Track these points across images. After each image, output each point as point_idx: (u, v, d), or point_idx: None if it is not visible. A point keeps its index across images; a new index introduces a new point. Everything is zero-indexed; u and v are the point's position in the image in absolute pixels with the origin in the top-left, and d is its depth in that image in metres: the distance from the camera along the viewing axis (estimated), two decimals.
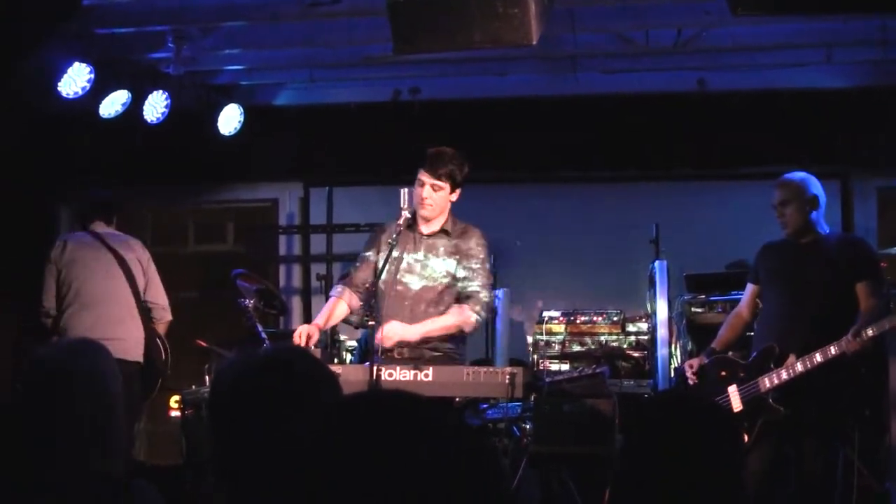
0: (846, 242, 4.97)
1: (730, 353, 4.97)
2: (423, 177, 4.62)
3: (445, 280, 4.62)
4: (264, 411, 1.90)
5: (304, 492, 1.27)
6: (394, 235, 4.57)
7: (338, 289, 4.87)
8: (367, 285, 4.66)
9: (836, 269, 4.70)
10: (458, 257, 4.64)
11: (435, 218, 4.70)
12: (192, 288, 8.30)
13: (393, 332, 4.44)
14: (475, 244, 4.67)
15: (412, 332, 4.51)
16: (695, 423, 2.02)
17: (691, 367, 4.98)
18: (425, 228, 4.71)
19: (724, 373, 4.84)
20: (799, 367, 4.53)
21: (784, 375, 4.58)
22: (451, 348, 4.67)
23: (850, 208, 7.46)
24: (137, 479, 2.35)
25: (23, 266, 5.93)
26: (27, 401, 2.35)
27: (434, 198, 4.62)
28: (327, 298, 5.02)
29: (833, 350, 4.45)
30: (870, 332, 4.40)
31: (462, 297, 4.61)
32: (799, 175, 4.92)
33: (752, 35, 6.48)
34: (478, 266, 4.66)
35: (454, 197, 4.68)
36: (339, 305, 4.78)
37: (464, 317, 4.56)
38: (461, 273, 4.64)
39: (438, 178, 4.59)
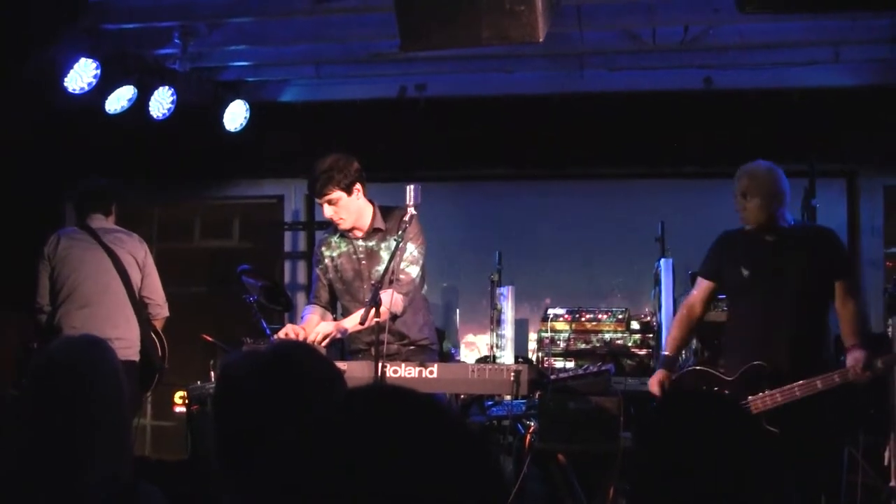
0: (820, 237, 4.66)
1: (707, 368, 4.71)
2: (318, 201, 4.66)
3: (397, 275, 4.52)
4: (268, 408, 1.90)
5: (304, 490, 1.27)
6: (334, 254, 4.72)
7: (309, 308, 4.90)
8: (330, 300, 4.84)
9: (812, 268, 4.51)
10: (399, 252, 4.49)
11: (358, 224, 4.69)
12: (197, 284, 8.32)
13: (323, 329, 4.40)
14: (411, 232, 4.53)
15: (343, 326, 4.49)
16: (713, 420, 2.02)
17: (661, 385, 4.63)
18: (358, 233, 4.74)
19: (704, 388, 4.54)
20: (797, 392, 4.33)
21: (779, 398, 4.36)
22: (425, 338, 4.76)
23: (856, 207, 7.44)
24: (144, 482, 2.33)
25: (28, 261, 5.93)
26: (35, 397, 2.33)
27: (339, 212, 4.61)
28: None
29: (837, 379, 4.30)
30: (880, 365, 4.32)
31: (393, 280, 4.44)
32: (764, 165, 4.66)
33: (759, 33, 6.46)
34: (412, 251, 4.61)
35: (358, 196, 4.63)
36: (315, 320, 4.75)
37: (393, 300, 4.37)
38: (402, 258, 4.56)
39: (326, 194, 4.56)
